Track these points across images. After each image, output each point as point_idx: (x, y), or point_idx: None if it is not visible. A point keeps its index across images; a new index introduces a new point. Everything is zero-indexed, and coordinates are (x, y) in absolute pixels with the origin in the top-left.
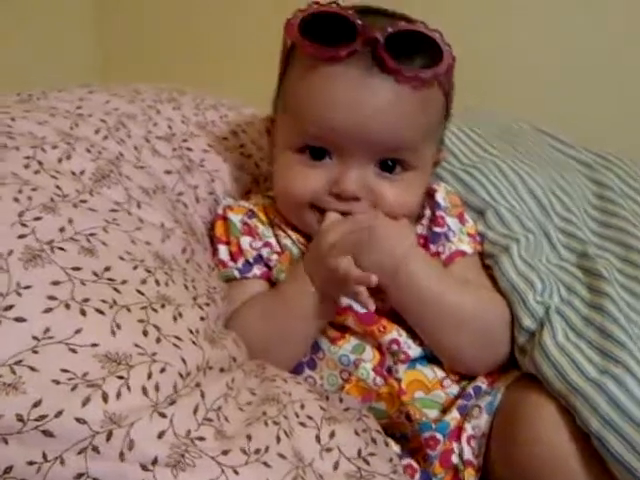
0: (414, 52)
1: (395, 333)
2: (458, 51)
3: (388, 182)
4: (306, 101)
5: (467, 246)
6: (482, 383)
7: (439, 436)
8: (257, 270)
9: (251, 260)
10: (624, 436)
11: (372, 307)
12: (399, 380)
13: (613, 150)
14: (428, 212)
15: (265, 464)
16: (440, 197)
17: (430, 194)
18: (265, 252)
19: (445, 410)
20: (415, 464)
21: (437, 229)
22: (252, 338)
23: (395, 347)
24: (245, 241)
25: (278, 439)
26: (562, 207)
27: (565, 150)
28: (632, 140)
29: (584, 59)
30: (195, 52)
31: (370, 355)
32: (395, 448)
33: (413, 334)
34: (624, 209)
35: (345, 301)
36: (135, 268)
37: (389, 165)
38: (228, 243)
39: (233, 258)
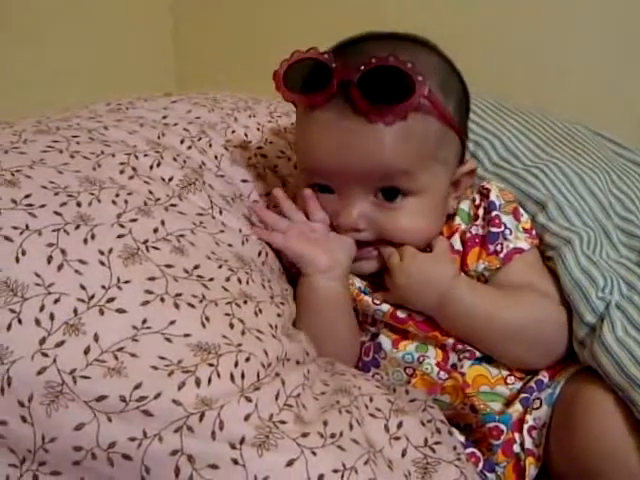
0: (385, 89)
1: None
2: None
3: (388, 211)
4: (299, 145)
5: (524, 242)
6: (544, 377)
7: (502, 427)
8: None
9: None
10: None
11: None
12: (463, 374)
13: None
14: (481, 212)
15: (340, 447)
16: (494, 196)
17: (484, 194)
18: None
19: (508, 403)
20: (479, 453)
21: (494, 229)
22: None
23: (460, 346)
24: None
25: (351, 426)
26: (622, 207)
27: (622, 152)
28: None
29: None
30: (267, 61)
31: (433, 353)
32: (459, 437)
33: None
34: None
35: (404, 312)
36: (220, 267)
37: (390, 193)
38: None
39: None
